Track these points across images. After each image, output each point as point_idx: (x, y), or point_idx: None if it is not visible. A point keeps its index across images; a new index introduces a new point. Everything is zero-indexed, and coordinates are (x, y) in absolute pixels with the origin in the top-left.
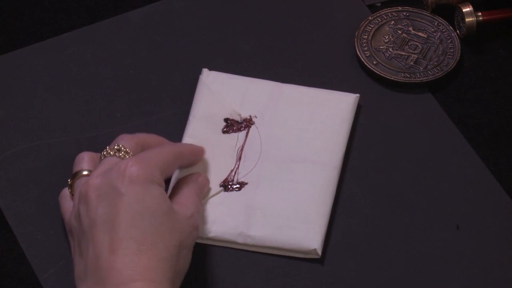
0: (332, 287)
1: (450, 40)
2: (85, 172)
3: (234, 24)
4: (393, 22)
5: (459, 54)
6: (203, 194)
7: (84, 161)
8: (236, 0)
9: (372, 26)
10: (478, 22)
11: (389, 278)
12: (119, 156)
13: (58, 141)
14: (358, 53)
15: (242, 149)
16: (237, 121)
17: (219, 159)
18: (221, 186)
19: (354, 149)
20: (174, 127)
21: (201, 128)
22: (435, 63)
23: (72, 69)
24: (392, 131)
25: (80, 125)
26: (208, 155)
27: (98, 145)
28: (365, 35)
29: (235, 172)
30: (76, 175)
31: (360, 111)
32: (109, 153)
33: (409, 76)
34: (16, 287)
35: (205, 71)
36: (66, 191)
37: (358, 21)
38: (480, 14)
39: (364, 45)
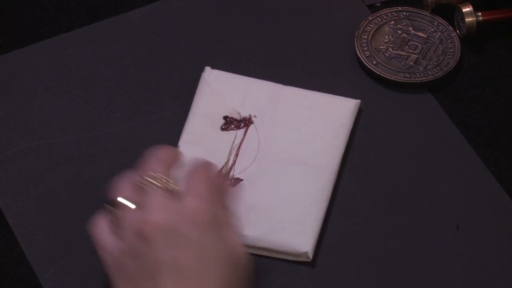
0: (333, 287)
1: (450, 40)
2: (132, 206)
3: (234, 24)
4: (393, 22)
5: (459, 54)
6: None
7: (127, 189)
8: (236, 0)
9: (372, 26)
10: (478, 22)
11: (389, 278)
12: (162, 186)
13: (58, 141)
14: (358, 53)
15: (239, 147)
16: (236, 119)
17: (216, 154)
18: None
19: (353, 149)
20: (174, 127)
21: (200, 125)
22: (435, 63)
23: (72, 69)
24: (392, 131)
25: (80, 125)
26: (205, 150)
27: (98, 145)
28: (365, 35)
29: (231, 169)
30: (120, 206)
31: (360, 111)
32: (151, 182)
33: (409, 76)
34: (16, 287)
35: (207, 69)
36: (102, 221)
37: (358, 21)
38: (480, 14)
39: (364, 45)
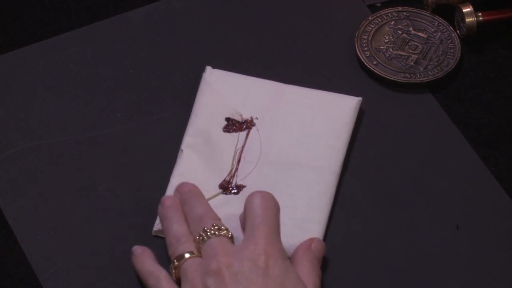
0: (333, 286)
1: (450, 40)
2: (187, 255)
3: (234, 24)
4: (393, 22)
5: (459, 54)
6: (321, 260)
7: (185, 242)
8: (236, 0)
9: (372, 26)
10: (478, 22)
11: (390, 276)
12: (223, 235)
13: (58, 141)
14: (358, 53)
15: (241, 151)
16: (238, 121)
17: (219, 159)
18: (220, 187)
19: (355, 148)
20: (175, 127)
21: (203, 126)
22: (435, 63)
23: (72, 69)
24: (392, 131)
25: (80, 125)
26: (208, 154)
27: (98, 145)
28: (365, 35)
29: (234, 175)
30: (181, 258)
31: (361, 111)
32: (212, 234)
33: (409, 76)
34: (16, 287)
35: (208, 69)
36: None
37: (358, 21)
38: (480, 14)
39: (364, 45)
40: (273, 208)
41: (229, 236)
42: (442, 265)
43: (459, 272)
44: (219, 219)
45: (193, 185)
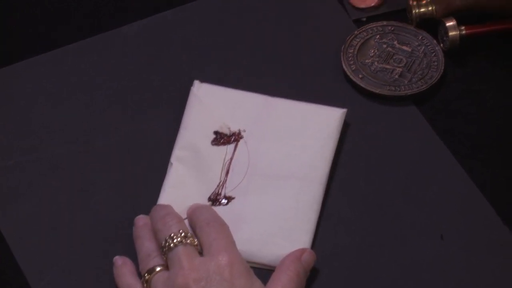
0: None
1: (434, 53)
2: (158, 268)
3: (226, 38)
4: (378, 36)
5: (442, 67)
6: (308, 273)
7: (155, 257)
8: (227, 16)
9: (358, 40)
10: (461, 36)
11: (377, 287)
12: (189, 243)
13: (56, 150)
14: (344, 67)
15: (230, 163)
16: (226, 134)
17: (208, 172)
18: (209, 200)
19: (341, 160)
20: (167, 138)
21: (191, 139)
22: (420, 76)
23: (69, 81)
24: (378, 143)
25: (77, 134)
26: (197, 167)
27: (90, 158)
28: (351, 49)
29: (223, 186)
30: (151, 272)
31: (347, 124)
32: (179, 241)
33: (394, 89)
34: None
35: (196, 83)
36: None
37: (344, 36)
38: (463, 28)
39: (350, 59)
40: (220, 219)
41: (195, 244)
42: (428, 274)
43: (445, 281)
44: (183, 221)
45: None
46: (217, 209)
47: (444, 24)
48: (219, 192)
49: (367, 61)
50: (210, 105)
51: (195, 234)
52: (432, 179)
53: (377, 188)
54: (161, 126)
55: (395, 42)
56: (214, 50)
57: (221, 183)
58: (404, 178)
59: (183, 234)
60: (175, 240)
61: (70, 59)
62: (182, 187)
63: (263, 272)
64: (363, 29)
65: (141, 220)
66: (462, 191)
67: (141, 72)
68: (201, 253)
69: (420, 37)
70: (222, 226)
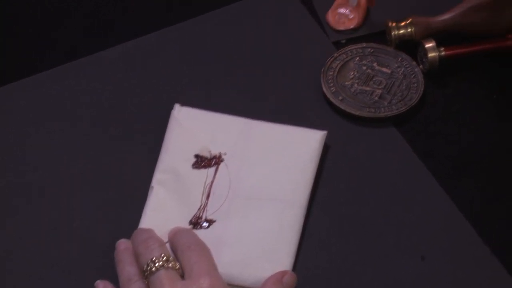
0: None
1: (414, 75)
2: None
3: (206, 61)
4: (358, 58)
5: (422, 89)
6: None
7: (136, 281)
8: (208, 39)
9: (338, 62)
10: (440, 57)
11: None
12: (171, 267)
13: (37, 174)
14: (324, 89)
15: (211, 186)
16: (207, 158)
17: (188, 195)
18: (190, 223)
19: (322, 181)
20: (148, 161)
21: (172, 163)
22: (399, 97)
23: (50, 106)
24: (358, 165)
25: (58, 158)
26: (178, 190)
27: (71, 183)
28: (330, 72)
29: (204, 209)
30: None
31: (328, 146)
32: (160, 265)
33: (374, 111)
34: None
35: (176, 106)
36: None
37: (324, 58)
38: (442, 49)
39: (330, 81)
40: (201, 242)
41: (177, 267)
42: None
43: None
44: (164, 245)
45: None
46: (199, 232)
47: (423, 46)
48: (200, 215)
49: (347, 83)
50: (190, 128)
51: (176, 257)
52: (413, 200)
53: (358, 209)
54: (142, 149)
55: (375, 64)
56: (195, 73)
57: (202, 206)
58: (384, 199)
59: (164, 258)
60: (156, 264)
61: (51, 84)
62: (163, 211)
63: None
64: (343, 51)
65: (123, 244)
66: (443, 211)
67: (122, 96)
68: (182, 276)
69: (400, 59)
70: (203, 250)
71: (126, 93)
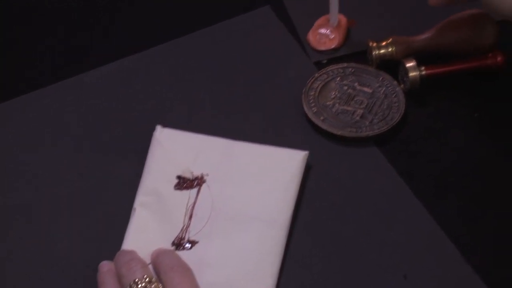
0: None
1: (395, 94)
2: None
3: (188, 82)
4: (339, 78)
5: (403, 108)
6: None
7: None
8: (188, 60)
9: (319, 82)
10: (421, 76)
11: None
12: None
13: (19, 196)
14: (305, 109)
15: (193, 207)
16: (189, 179)
17: (171, 216)
18: (173, 245)
19: (304, 201)
20: (130, 183)
21: (154, 184)
22: (381, 117)
23: (31, 129)
24: (340, 185)
25: (40, 181)
26: (160, 212)
27: (54, 204)
28: (312, 92)
29: (186, 231)
30: None
31: (310, 166)
32: (143, 287)
33: (355, 130)
34: None
35: (158, 128)
36: None
37: (305, 78)
38: (423, 68)
39: (312, 101)
40: (184, 264)
41: None
42: None
43: None
44: (147, 267)
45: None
46: (181, 253)
47: (404, 65)
48: (183, 236)
49: (328, 103)
50: (172, 149)
51: (159, 279)
52: (395, 219)
53: (340, 229)
54: (125, 171)
55: (356, 84)
56: (176, 95)
57: (184, 227)
58: (366, 218)
59: (147, 279)
60: (139, 286)
61: (31, 107)
62: (145, 232)
63: None
64: (324, 71)
65: (105, 266)
66: (425, 230)
67: (103, 118)
68: None
69: (381, 78)
70: (186, 271)
71: (108, 115)
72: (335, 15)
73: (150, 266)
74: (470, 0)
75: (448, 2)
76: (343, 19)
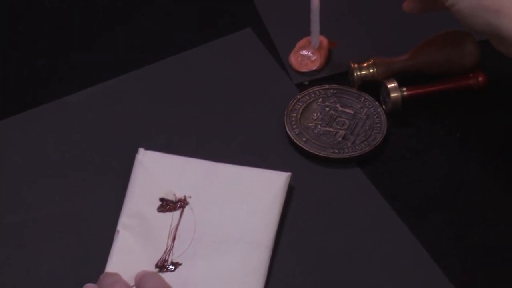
0: None
1: (377, 115)
2: None
3: (171, 105)
4: (321, 99)
5: (385, 129)
6: None
7: None
8: (171, 83)
9: (301, 104)
10: (403, 97)
11: None
12: None
13: (3, 220)
14: (287, 131)
15: (176, 229)
16: (172, 201)
17: (154, 238)
18: (156, 267)
19: (288, 222)
20: (113, 206)
21: (137, 207)
22: (363, 138)
23: (15, 152)
24: (324, 205)
25: (23, 204)
26: (143, 234)
27: (38, 228)
28: (294, 113)
29: (170, 253)
30: None
31: (293, 187)
32: None
33: (337, 151)
34: None
35: (141, 150)
36: None
37: (287, 99)
38: (404, 89)
39: (294, 123)
40: (168, 286)
41: None
42: None
43: None
44: None
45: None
46: (165, 275)
47: (386, 86)
48: (166, 258)
49: (310, 124)
50: (155, 172)
51: None
52: (378, 240)
53: (324, 250)
54: (108, 194)
55: (338, 105)
56: (159, 117)
57: (167, 249)
58: (350, 239)
59: None
60: None
61: (15, 130)
62: (129, 254)
63: None
64: (306, 92)
65: None
66: (408, 250)
67: (87, 141)
68: None
69: (362, 99)
70: None
71: (91, 138)
72: (316, 37)
73: None
74: (443, 9)
75: (422, 9)
76: (324, 41)
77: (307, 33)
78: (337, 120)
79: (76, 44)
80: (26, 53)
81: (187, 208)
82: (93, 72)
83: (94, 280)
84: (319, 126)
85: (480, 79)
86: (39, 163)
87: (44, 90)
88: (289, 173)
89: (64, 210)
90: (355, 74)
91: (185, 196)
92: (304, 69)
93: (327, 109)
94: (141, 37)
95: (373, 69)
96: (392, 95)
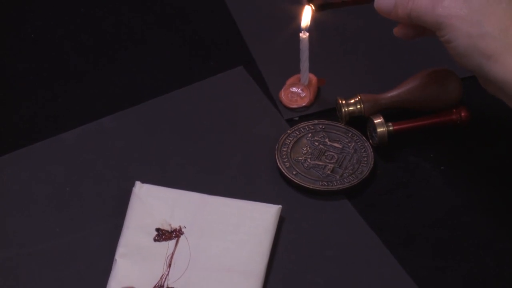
0: None
1: (364, 149)
2: None
3: (164, 140)
4: (310, 134)
5: (372, 162)
6: None
7: None
8: (165, 118)
9: (291, 139)
10: (389, 132)
11: None
12: None
13: (1, 255)
14: (278, 164)
15: (172, 257)
16: (167, 231)
17: (151, 266)
18: None
19: (278, 253)
20: (109, 239)
21: (134, 237)
22: (351, 171)
23: (9, 190)
24: (313, 236)
25: (19, 238)
26: (140, 262)
27: (36, 260)
28: (284, 148)
29: (165, 278)
30: None
31: (283, 218)
32: None
33: (326, 184)
34: None
35: (137, 184)
36: None
37: (278, 135)
38: (390, 124)
39: (284, 156)
40: None
41: None
42: None
43: None
44: None
45: None
46: None
47: (372, 121)
48: (162, 284)
49: (300, 158)
50: (151, 204)
51: None
52: (367, 269)
53: (313, 280)
54: (105, 225)
55: (327, 140)
56: (153, 152)
57: (163, 275)
58: (339, 270)
59: None
60: None
61: (10, 167)
62: (127, 281)
63: None
64: (296, 128)
65: None
66: (396, 281)
67: (83, 177)
68: None
69: (350, 134)
70: None
71: (86, 174)
72: (305, 74)
73: None
74: (434, 35)
75: (413, 35)
76: (314, 78)
77: (297, 71)
78: (326, 154)
79: (72, 83)
80: (23, 91)
81: (182, 237)
82: (88, 109)
83: None
84: (308, 160)
85: (462, 114)
86: (35, 199)
87: (39, 127)
88: (279, 206)
89: (62, 242)
90: (343, 110)
91: (180, 226)
92: (294, 106)
93: (316, 143)
94: (134, 76)
95: (360, 105)
96: (379, 130)
